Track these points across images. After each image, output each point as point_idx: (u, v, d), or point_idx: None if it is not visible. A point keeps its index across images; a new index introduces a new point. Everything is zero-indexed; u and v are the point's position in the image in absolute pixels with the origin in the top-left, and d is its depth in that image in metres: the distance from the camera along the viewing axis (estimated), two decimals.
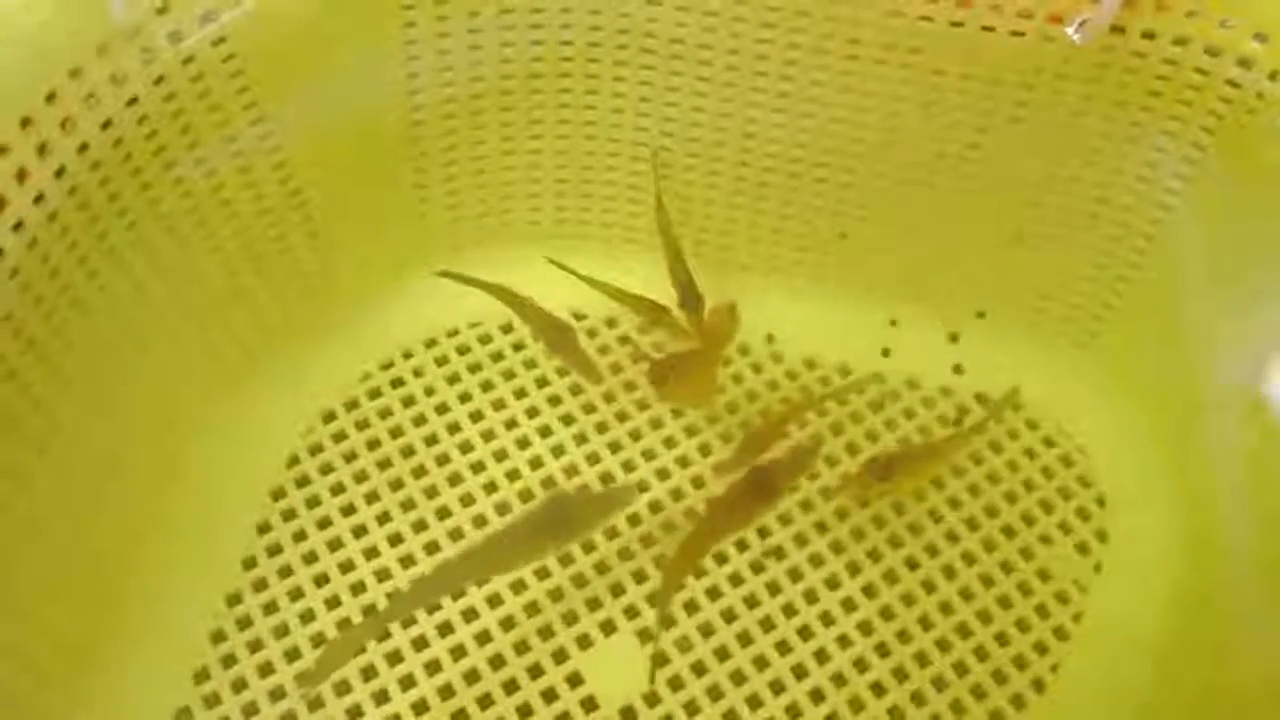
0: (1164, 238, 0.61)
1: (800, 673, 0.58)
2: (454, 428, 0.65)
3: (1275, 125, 0.54)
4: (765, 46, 0.60)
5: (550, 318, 0.63)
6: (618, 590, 0.59)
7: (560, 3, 0.60)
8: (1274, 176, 0.56)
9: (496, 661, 0.57)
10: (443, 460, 0.64)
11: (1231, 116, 0.56)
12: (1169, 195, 0.60)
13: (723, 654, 0.58)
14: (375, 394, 0.66)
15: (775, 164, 0.65)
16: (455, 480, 0.63)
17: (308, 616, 0.58)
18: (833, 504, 0.63)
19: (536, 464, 0.64)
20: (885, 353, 0.68)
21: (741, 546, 0.61)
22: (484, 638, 0.58)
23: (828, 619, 0.59)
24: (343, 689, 0.56)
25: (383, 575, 0.60)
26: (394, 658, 0.57)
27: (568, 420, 0.66)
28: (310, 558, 0.60)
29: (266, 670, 0.56)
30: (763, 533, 0.62)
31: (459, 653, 0.57)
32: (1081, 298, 0.66)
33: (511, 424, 0.65)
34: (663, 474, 0.64)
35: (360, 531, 0.61)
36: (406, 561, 0.60)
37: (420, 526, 0.61)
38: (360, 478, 0.63)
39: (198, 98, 0.53)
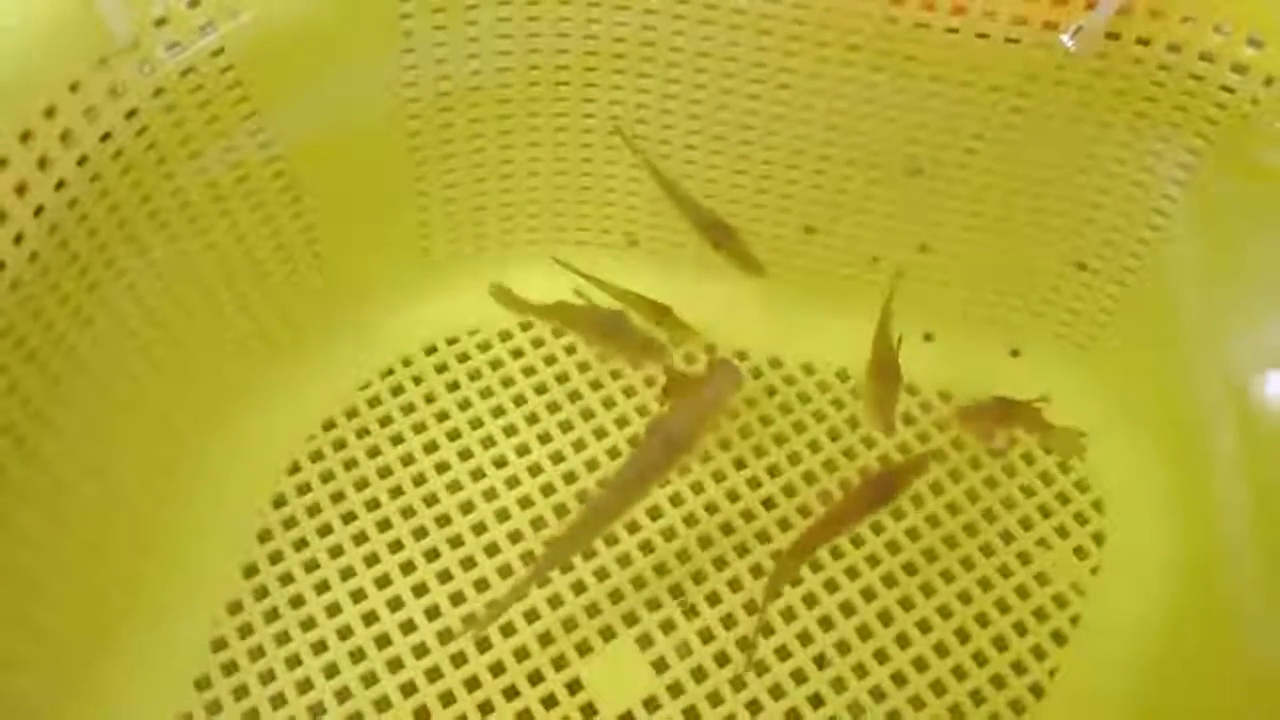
0: (1160, 242, 0.62)
1: (800, 678, 0.58)
2: (453, 434, 0.65)
3: (1270, 130, 0.55)
4: (762, 54, 0.60)
5: (600, 312, 0.63)
6: (616, 597, 0.60)
7: (557, 7, 0.60)
8: (1270, 180, 0.56)
9: (497, 668, 0.57)
10: (442, 467, 0.64)
11: (1226, 122, 0.56)
12: (1165, 200, 0.60)
13: (722, 659, 0.58)
14: (375, 401, 0.66)
15: (772, 170, 0.65)
16: (454, 487, 0.63)
17: (308, 624, 0.59)
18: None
19: (535, 470, 0.64)
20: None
21: (742, 551, 0.62)
22: (484, 644, 0.58)
23: (827, 624, 0.59)
24: (344, 695, 0.56)
25: (383, 582, 0.60)
26: (395, 664, 0.57)
27: (566, 426, 0.66)
28: (311, 565, 0.60)
29: (268, 677, 0.57)
30: (762, 538, 0.62)
31: (459, 659, 0.58)
32: (1078, 302, 0.66)
33: (511, 430, 0.66)
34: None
35: (361, 538, 0.61)
36: (407, 568, 0.60)
37: (420, 534, 0.62)
38: (360, 485, 0.63)
39: (197, 108, 0.54)
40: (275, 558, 0.60)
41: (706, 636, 0.59)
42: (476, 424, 0.66)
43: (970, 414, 0.62)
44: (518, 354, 0.69)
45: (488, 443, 0.65)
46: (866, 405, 0.62)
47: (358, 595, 0.59)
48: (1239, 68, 0.54)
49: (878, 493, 0.55)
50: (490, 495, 0.63)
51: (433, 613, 0.59)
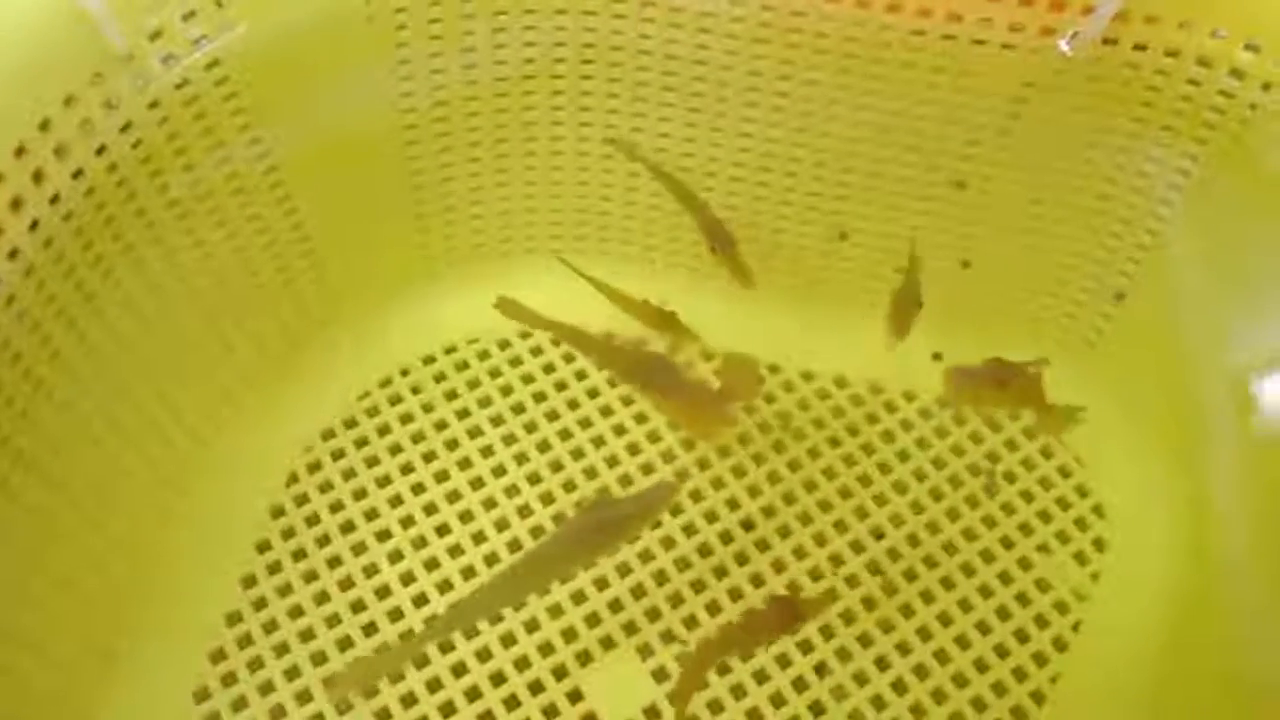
0: (1159, 248, 0.62)
1: (800, 686, 0.58)
2: (452, 444, 0.65)
3: (1268, 134, 0.55)
4: (759, 62, 0.60)
5: (643, 355, 0.59)
6: (616, 607, 0.60)
7: (552, 15, 0.60)
8: (1268, 185, 0.56)
9: (497, 678, 0.57)
10: (441, 477, 0.64)
11: (1224, 127, 0.56)
12: (1163, 206, 0.60)
13: (721, 668, 0.58)
14: (374, 411, 0.66)
15: (770, 177, 0.65)
16: (454, 497, 0.63)
17: (307, 635, 0.58)
18: (830, 517, 0.63)
19: (534, 479, 0.64)
20: (875, 361, 0.68)
21: (741, 559, 0.61)
22: (484, 654, 0.58)
23: (827, 631, 0.59)
24: (343, 707, 0.56)
25: (382, 593, 0.60)
26: (394, 675, 0.57)
27: (565, 435, 0.66)
28: (310, 575, 0.60)
29: (267, 689, 0.57)
30: (761, 546, 0.62)
31: (460, 670, 0.57)
32: (1077, 308, 0.66)
33: (509, 439, 0.66)
34: None
35: (360, 549, 0.61)
36: (406, 578, 0.60)
37: (420, 543, 0.61)
38: (359, 495, 0.63)
39: (192, 120, 0.53)
40: (274, 568, 0.60)
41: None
42: (475, 433, 0.66)
43: (964, 377, 0.57)
44: (516, 362, 0.68)
45: (486, 452, 0.65)
46: (886, 321, 0.59)
47: (357, 606, 0.59)
48: (1237, 73, 0.54)
49: (783, 619, 0.53)
50: (489, 504, 0.63)
51: (432, 623, 0.59)
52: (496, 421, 0.66)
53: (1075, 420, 0.61)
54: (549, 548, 0.50)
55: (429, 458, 0.65)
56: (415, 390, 0.67)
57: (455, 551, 0.61)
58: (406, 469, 0.64)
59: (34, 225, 0.47)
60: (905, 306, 0.58)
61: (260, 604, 0.59)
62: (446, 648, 0.58)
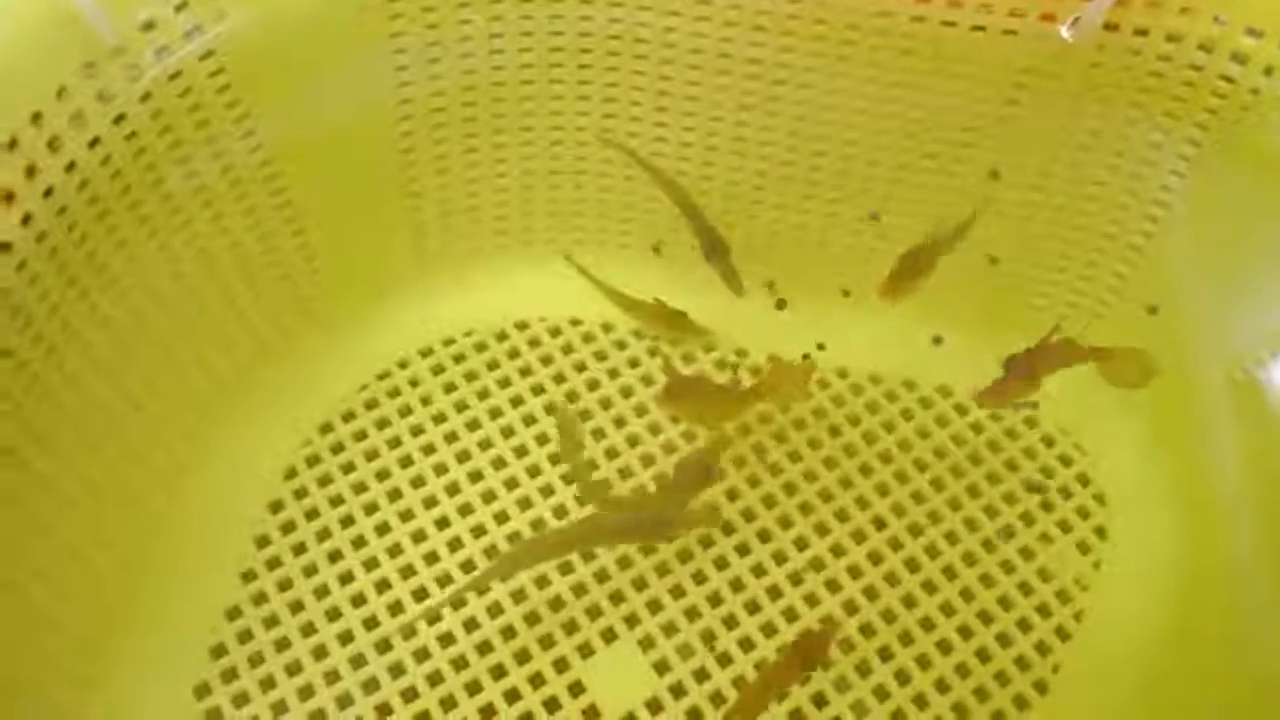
0: (1160, 234, 0.61)
1: (803, 679, 0.57)
2: (451, 437, 0.65)
3: (1270, 119, 0.54)
4: (757, 50, 0.60)
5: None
6: (618, 599, 0.59)
7: (548, 5, 0.60)
8: (1270, 170, 0.56)
9: (498, 671, 0.57)
10: (441, 470, 0.64)
11: (1226, 112, 0.55)
12: (1164, 192, 0.60)
13: (724, 660, 0.58)
14: (372, 405, 0.66)
15: (767, 166, 0.65)
16: (453, 490, 0.63)
17: (308, 629, 0.58)
18: (832, 506, 0.63)
19: (534, 472, 0.64)
20: (875, 350, 0.68)
21: (743, 550, 0.61)
22: (485, 648, 0.58)
23: (829, 624, 0.59)
24: (345, 701, 0.56)
25: (382, 586, 0.59)
26: (396, 669, 0.57)
27: None
28: (310, 570, 0.60)
29: (268, 684, 0.56)
30: (763, 536, 0.62)
31: (460, 663, 0.57)
32: (1078, 295, 0.66)
33: (508, 432, 0.65)
34: (662, 480, 0.63)
35: (359, 543, 0.61)
36: (406, 572, 0.60)
37: (419, 537, 0.61)
38: (359, 489, 0.63)
39: (186, 112, 0.53)
40: (273, 563, 0.60)
41: (708, 637, 0.58)
42: (474, 426, 0.65)
43: (995, 392, 0.57)
44: (514, 355, 0.68)
45: (485, 445, 0.65)
46: (884, 282, 0.59)
47: (357, 600, 0.59)
48: (1238, 57, 0.54)
49: (804, 662, 0.53)
50: (489, 498, 0.63)
51: (433, 617, 0.59)
52: (495, 414, 0.66)
53: (1149, 370, 0.57)
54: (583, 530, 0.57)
55: (428, 450, 0.64)
56: (414, 383, 0.67)
57: (455, 545, 0.61)
58: (406, 462, 0.64)
59: (27, 219, 0.47)
60: (907, 274, 0.58)
61: (260, 599, 0.59)
62: (447, 640, 0.58)
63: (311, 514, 0.62)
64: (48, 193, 0.47)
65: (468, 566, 0.60)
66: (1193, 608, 0.58)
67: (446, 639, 0.58)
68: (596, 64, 0.62)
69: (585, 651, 0.58)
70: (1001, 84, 0.58)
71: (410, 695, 0.56)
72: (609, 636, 0.58)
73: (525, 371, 0.67)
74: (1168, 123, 0.57)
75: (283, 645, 0.58)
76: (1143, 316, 0.64)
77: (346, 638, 0.58)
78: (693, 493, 0.58)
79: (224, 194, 0.57)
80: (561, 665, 0.57)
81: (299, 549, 0.61)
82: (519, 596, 0.59)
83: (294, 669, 0.57)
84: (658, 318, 0.66)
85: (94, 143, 0.49)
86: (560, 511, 0.62)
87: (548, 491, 0.63)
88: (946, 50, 0.58)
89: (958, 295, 0.68)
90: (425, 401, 0.66)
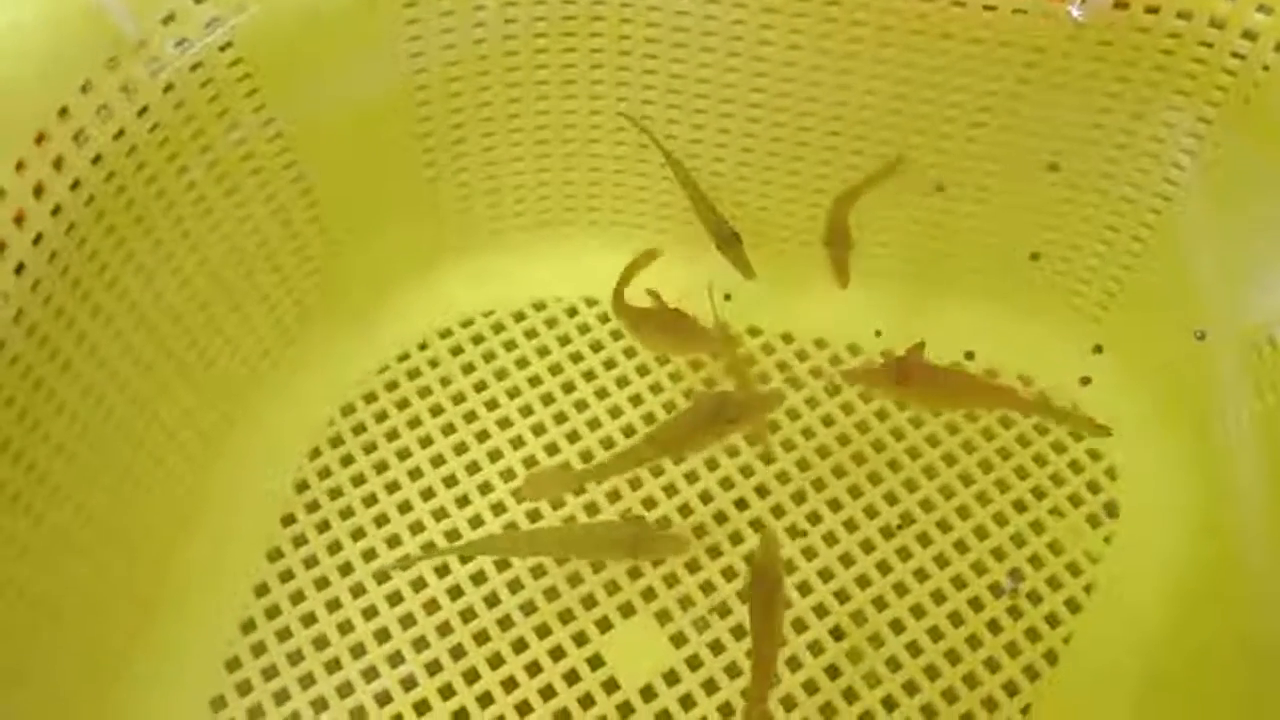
0: (1172, 211, 0.61)
1: (816, 650, 0.59)
2: (470, 417, 0.66)
3: None
4: (768, 31, 0.60)
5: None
6: (635, 573, 0.61)
7: None
8: None
9: (519, 645, 0.59)
10: (460, 449, 0.65)
11: (1237, 89, 0.55)
12: (1176, 170, 0.60)
13: (739, 632, 0.59)
14: (393, 386, 0.67)
15: (780, 146, 0.65)
16: (473, 469, 0.64)
17: (333, 605, 0.60)
18: (845, 481, 0.64)
19: (552, 450, 0.65)
20: (878, 333, 0.69)
21: (756, 525, 0.62)
22: (506, 623, 0.59)
23: (843, 596, 0.60)
24: (371, 675, 0.58)
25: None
26: (420, 643, 0.59)
27: (581, 406, 0.66)
28: (334, 547, 0.62)
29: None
30: (776, 511, 0.63)
31: (482, 638, 0.59)
32: (1091, 272, 0.66)
33: (527, 410, 0.66)
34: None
35: (382, 520, 0.63)
36: (428, 548, 0.61)
37: (441, 514, 0.63)
38: (380, 468, 0.64)
39: (207, 102, 0.54)
40: (299, 541, 0.62)
41: (724, 611, 0.60)
42: (493, 405, 0.67)
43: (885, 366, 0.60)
44: (531, 334, 0.69)
45: (504, 424, 0.66)
46: (830, 268, 0.62)
47: (380, 577, 0.61)
48: (1249, 34, 0.54)
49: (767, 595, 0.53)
50: (508, 476, 0.64)
51: (455, 592, 0.60)
52: (514, 393, 0.67)
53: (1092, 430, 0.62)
54: (668, 430, 0.58)
55: (448, 430, 0.66)
56: (433, 364, 0.68)
57: (476, 522, 0.62)
58: (426, 441, 0.65)
59: (56, 211, 0.48)
60: (841, 251, 0.61)
61: (286, 576, 0.61)
62: (469, 615, 0.59)
63: (335, 492, 0.63)
64: (75, 185, 0.48)
65: None
66: (1203, 581, 0.59)
67: (468, 614, 0.59)
68: (609, 47, 0.62)
69: (604, 626, 0.59)
70: (1013, 64, 0.58)
71: (434, 668, 0.58)
72: (627, 611, 0.60)
73: (542, 352, 0.69)
74: (1179, 100, 0.57)
75: (309, 620, 0.59)
76: (1156, 293, 0.64)
77: (371, 613, 0.60)
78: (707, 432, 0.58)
79: (245, 181, 0.58)
80: (580, 639, 0.59)
81: (323, 526, 0.62)
82: (538, 572, 0.61)
83: (321, 643, 0.59)
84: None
85: (119, 135, 0.50)
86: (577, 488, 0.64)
87: (566, 468, 0.64)
88: (957, 30, 0.58)
89: (968, 273, 0.68)
90: (445, 382, 0.67)
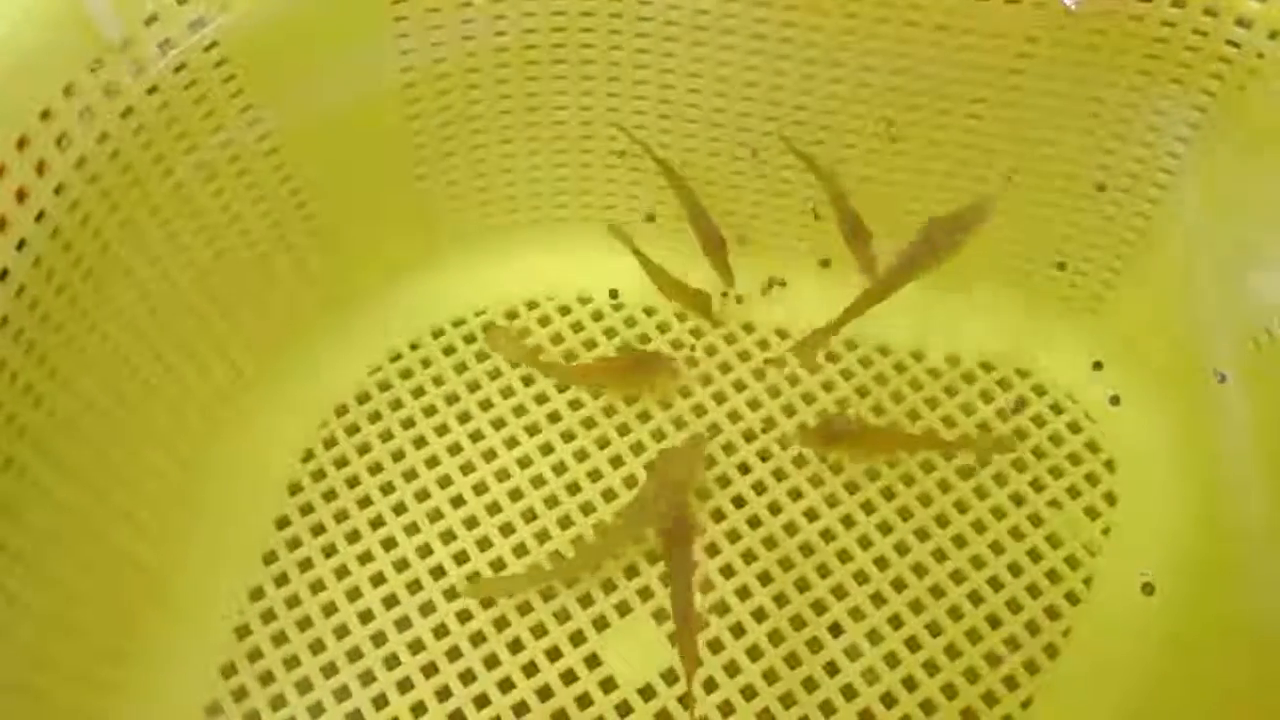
0: (1168, 201, 0.61)
1: (815, 646, 0.58)
2: (464, 417, 0.66)
3: (1275, 85, 0.54)
4: (760, 26, 0.59)
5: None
6: (631, 573, 0.60)
7: None
8: (1276, 135, 0.55)
9: (515, 645, 0.58)
10: (455, 450, 0.64)
11: (1232, 77, 0.55)
12: (1171, 158, 0.60)
13: (737, 630, 0.59)
14: (385, 386, 0.67)
15: (771, 141, 0.65)
16: (468, 469, 0.64)
17: (329, 609, 0.59)
18: (842, 478, 0.63)
19: (546, 450, 0.65)
20: (886, 326, 0.68)
21: (754, 523, 0.62)
22: (502, 623, 0.59)
23: (840, 592, 0.60)
24: (368, 679, 0.57)
25: (401, 565, 0.61)
26: (416, 646, 0.58)
27: (575, 405, 0.66)
28: (329, 550, 0.61)
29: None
30: (773, 508, 0.62)
31: (478, 639, 0.58)
32: (1087, 263, 0.66)
33: (520, 410, 0.66)
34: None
35: (378, 523, 0.62)
36: (424, 551, 0.61)
37: (436, 516, 0.62)
38: (375, 470, 0.64)
39: (192, 104, 0.54)
40: (293, 544, 0.61)
41: (722, 610, 0.59)
42: (486, 405, 0.66)
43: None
44: (525, 334, 0.69)
45: (498, 424, 0.65)
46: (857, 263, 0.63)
47: (377, 580, 0.60)
48: (1243, 22, 0.53)
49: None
50: (503, 475, 0.64)
51: (450, 594, 0.60)
52: (507, 393, 0.67)
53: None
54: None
55: (442, 430, 0.65)
56: (426, 364, 0.68)
57: (470, 524, 0.62)
58: (420, 442, 0.65)
59: (40, 216, 0.47)
60: (862, 241, 0.62)
61: (281, 580, 0.60)
62: (465, 616, 0.59)
63: (329, 495, 0.63)
64: (58, 190, 0.48)
65: (484, 544, 0.61)
66: (1201, 572, 0.59)
67: (464, 615, 0.59)
68: (599, 43, 0.62)
69: (601, 625, 0.59)
70: (1006, 53, 0.58)
71: (430, 670, 0.58)
72: (624, 610, 0.59)
73: (536, 350, 0.68)
74: (1173, 89, 0.57)
75: (305, 624, 0.59)
76: (1151, 285, 0.64)
77: (367, 616, 0.59)
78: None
79: (233, 183, 0.58)
80: (578, 638, 0.58)
81: (318, 529, 0.62)
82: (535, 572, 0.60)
83: (317, 647, 0.58)
84: (683, 294, 0.67)
85: (102, 138, 0.49)
86: (573, 488, 0.63)
87: (560, 469, 0.64)
88: (951, 19, 0.57)
89: (965, 265, 0.68)
90: (438, 382, 0.67)
